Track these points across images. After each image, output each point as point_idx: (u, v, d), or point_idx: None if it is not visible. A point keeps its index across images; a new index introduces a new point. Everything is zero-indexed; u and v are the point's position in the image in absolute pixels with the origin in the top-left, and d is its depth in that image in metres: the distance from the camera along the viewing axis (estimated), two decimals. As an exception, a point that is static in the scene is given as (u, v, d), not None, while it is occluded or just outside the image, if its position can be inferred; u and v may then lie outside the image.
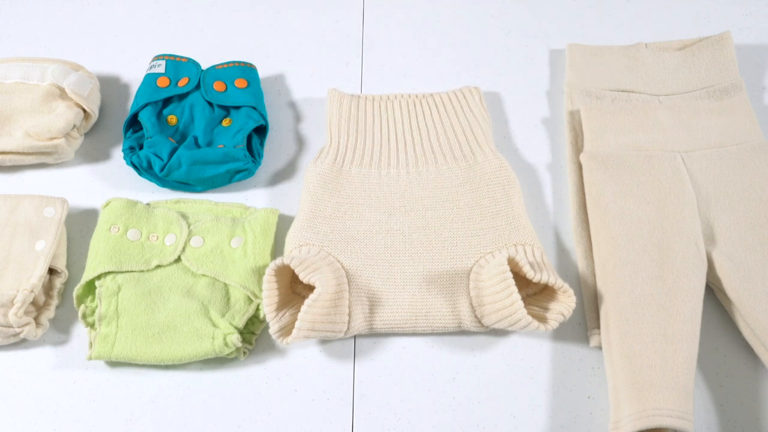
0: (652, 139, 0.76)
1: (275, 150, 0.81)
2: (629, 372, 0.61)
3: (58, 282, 0.71)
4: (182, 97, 0.81)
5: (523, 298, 0.67)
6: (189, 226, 0.72)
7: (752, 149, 0.75)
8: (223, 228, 0.72)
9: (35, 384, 0.67)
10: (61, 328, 0.70)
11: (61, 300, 0.71)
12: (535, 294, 0.69)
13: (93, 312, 0.68)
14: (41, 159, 0.79)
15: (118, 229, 0.71)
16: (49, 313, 0.70)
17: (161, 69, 0.82)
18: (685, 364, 0.61)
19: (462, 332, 0.69)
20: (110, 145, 0.82)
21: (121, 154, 0.79)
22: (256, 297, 0.68)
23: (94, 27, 0.92)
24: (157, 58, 0.83)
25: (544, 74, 0.88)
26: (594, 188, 0.73)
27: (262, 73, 0.86)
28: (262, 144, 0.80)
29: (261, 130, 0.81)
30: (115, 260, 0.70)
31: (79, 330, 0.70)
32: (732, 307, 0.67)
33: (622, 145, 0.76)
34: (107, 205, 0.74)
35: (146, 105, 0.79)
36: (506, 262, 0.65)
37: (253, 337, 0.68)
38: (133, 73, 0.88)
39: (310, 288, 0.66)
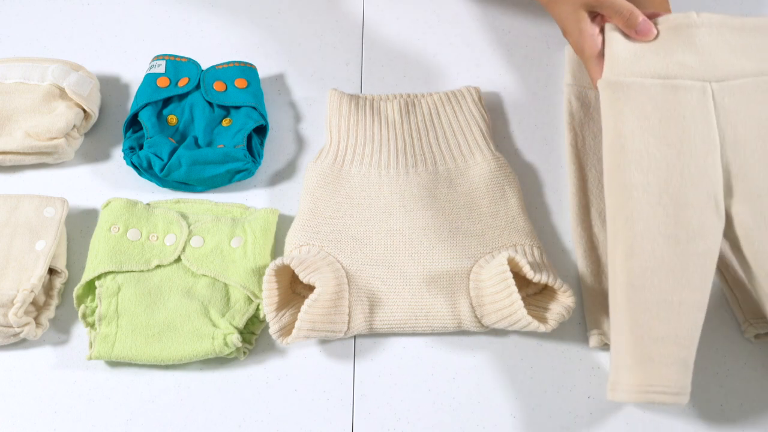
0: (683, 62, 0.66)
1: (275, 150, 0.81)
2: (630, 342, 0.59)
3: (58, 282, 0.71)
4: (182, 97, 0.81)
5: (523, 298, 0.67)
6: (189, 226, 0.72)
7: None
8: (223, 228, 0.72)
9: (35, 384, 0.67)
10: (61, 328, 0.70)
11: (61, 300, 0.71)
12: (535, 294, 0.69)
13: (93, 312, 0.68)
14: (41, 159, 0.79)
15: (118, 229, 0.71)
16: (49, 313, 0.70)
17: (161, 69, 0.82)
18: (689, 335, 0.59)
19: (462, 332, 0.69)
20: (110, 145, 0.82)
21: (121, 154, 0.79)
22: (256, 297, 0.68)
23: (94, 27, 0.92)
24: (157, 58, 0.83)
25: (544, 74, 0.88)
26: (611, 124, 0.65)
27: (262, 73, 0.86)
28: (262, 144, 0.80)
29: (261, 130, 0.81)
30: (115, 260, 0.70)
31: (79, 330, 0.70)
32: (748, 269, 0.63)
33: (648, 71, 0.66)
34: (107, 205, 0.74)
35: (146, 105, 0.79)
36: (506, 262, 0.65)
37: (253, 337, 0.68)
38: (133, 73, 0.88)
39: (310, 288, 0.67)
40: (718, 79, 0.65)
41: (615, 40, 0.69)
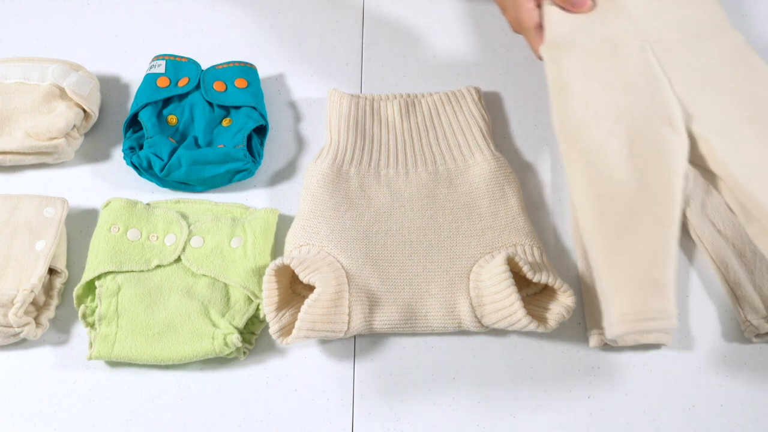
0: (619, 27, 0.69)
1: (275, 150, 0.82)
2: (604, 274, 0.57)
3: (58, 282, 0.71)
4: (182, 97, 0.81)
5: (523, 298, 0.67)
6: (189, 226, 0.72)
7: (726, 36, 0.69)
8: (223, 228, 0.72)
9: (35, 384, 0.67)
10: (61, 328, 0.70)
11: (61, 300, 0.71)
12: (535, 294, 0.69)
13: (93, 312, 0.68)
14: (41, 159, 0.79)
15: (118, 229, 0.71)
16: (49, 313, 0.70)
17: (161, 69, 0.82)
18: (658, 254, 0.56)
19: (462, 332, 0.69)
20: (110, 145, 0.82)
21: (121, 154, 0.79)
22: (256, 297, 0.68)
23: (94, 27, 0.92)
24: (157, 58, 0.83)
25: (543, 74, 0.88)
26: (557, 76, 0.67)
27: (262, 73, 0.86)
28: (262, 144, 0.80)
29: (261, 130, 0.81)
30: (115, 260, 0.70)
31: (79, 330, 0.70)
32: (719, 183, 0.61)
33: (587, 35, 0.69)
34: (107, 205, 0.74)
35: (146, 105, 0.79)
36: (506, 262, 0.65)
37: (253, 337, 0.68)
38: (133, 73, 0.88)
39: (310, 288, 0.67)
40: (654, 41, 0.68)
41: (552, 12, 0.71)
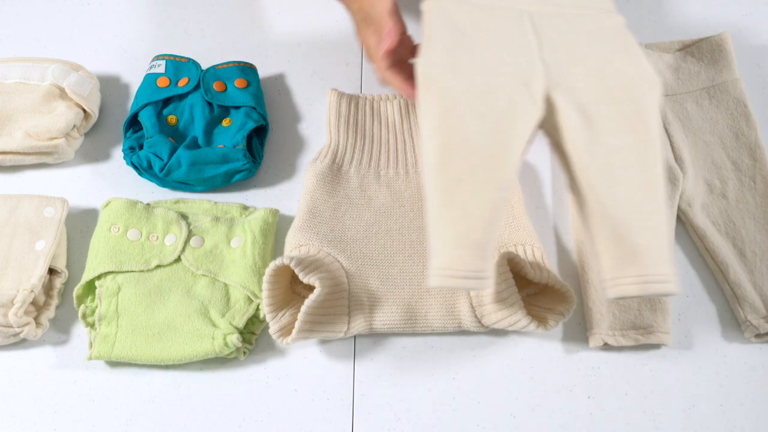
0: (501, 3, 0.69)
1: (275, 150, 0.82)
2: (433, 225, 0.57)
3: (58, 282, 0.71)
4: (182, 97, 0.81)
5: (523, 298, 0.67)
6: (189, 226, 0.72)
7: (608, 16, 0.68)
8: (223, 228, 0.72)
9: (35, 384, 0.67)
10: (61, 328, 0.70)
11: (61, 300, 0.71)
12: (535, 294, 0.69)
13: (93, 312, 0.68)
14: (41, 159, 0.79)
15: (118, 229, 0.71)
16: (49, 313, 0.70)
17: (161, 69, 0.82)
18: (483, 216, 0.56)
19: (462, 332, 0.69)
20: (110, 145, 0.82)
21: (121, 154, 0.79)
22: (256, 297, 0.68)
23: (94, 27, 0.92)
24: (157, 58, 0.83)
25: (544, 74, 0.88)
26: (428, 27, 0.65)
27: (262, 73, 0.86)
28: (262, 144, 0.80)
29: (261, 130, 0.81)
30: (115, 260, 0.70)
31: (79, 330, 0.70)
32: (566, 161, 0.61)
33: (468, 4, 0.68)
34: (107, 205, 0.74)
35: (146, 105, 0.79)
36: (506, 262, 0.65)
37: (253, 337, 0.68)
38: (133, 73, 0.88)
39: (310, 288, 0.67)
40: (534, 12, 0.67)
41: None
